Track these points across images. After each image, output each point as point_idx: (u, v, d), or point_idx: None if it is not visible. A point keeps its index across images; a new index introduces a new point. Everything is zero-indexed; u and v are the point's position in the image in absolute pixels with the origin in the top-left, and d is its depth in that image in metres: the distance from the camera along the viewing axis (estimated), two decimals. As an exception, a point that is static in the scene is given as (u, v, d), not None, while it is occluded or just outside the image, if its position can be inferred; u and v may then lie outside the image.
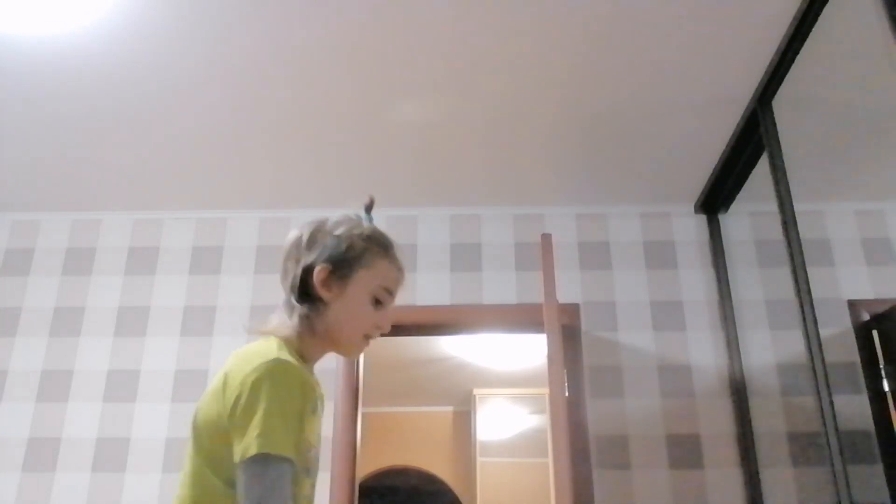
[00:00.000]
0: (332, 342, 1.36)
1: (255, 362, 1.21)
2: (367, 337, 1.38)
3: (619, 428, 2.98)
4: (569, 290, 3.21)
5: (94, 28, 2.29)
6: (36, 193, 3.26)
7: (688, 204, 3.34)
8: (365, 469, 6.13)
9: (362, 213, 1.42)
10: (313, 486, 1.29)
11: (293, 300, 1.34)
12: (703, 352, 3.09)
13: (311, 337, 1.34)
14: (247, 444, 1.14)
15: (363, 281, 1.35)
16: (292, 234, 1.40)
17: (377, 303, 1.37)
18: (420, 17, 2.27)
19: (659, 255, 3.27)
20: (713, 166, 3.05)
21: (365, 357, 3.31)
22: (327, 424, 3.01)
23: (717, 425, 2.97)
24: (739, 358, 3.00)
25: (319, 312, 1.33)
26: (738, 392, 2.96)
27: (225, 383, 1.22)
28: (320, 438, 1.33)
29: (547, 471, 5.85)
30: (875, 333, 3.02)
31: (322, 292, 1.32)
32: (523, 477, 5.90)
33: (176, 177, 3.14)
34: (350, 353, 1.40)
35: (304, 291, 1.34)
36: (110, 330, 3.21)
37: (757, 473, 2.85)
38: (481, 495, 5.83)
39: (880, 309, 3.04)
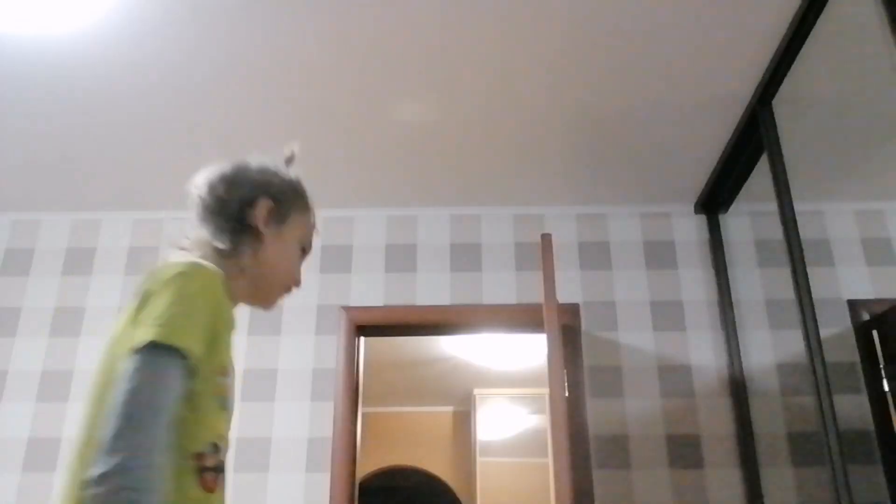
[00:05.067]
0: (256, 287, 1.27)
1: (171, 266, 1.10)
2: (288, 289, 1.32)
3: (619, 428, 2.97)
4: (569, 290, 3.20)
5: (94, 28, 2.30)
6: (36, 193, 3.26)
7: (688, 204, 3.34)
8: (365, 469, 6.12)
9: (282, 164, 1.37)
10: (229, 422, 1.15)
11: (225, 235, 1.24)
12: (703, 352, 3.08)
13: (237, 278, 1.23)
14: (142, 333, 1.01)
15: (296, 225, 1.30)
16: (211, 171, 1.31)
17: (302, 252, 1.33)
18: (420, 17, 2.27)
19: (659, 255, 3.27)
20: (713, 166, 3.05)
21: (365, 357, 3.30)
22: (327, 424, 3.01)
23: (717, 425, 2.96)
24: (739, 358, 3.00)
25: (254, 251, 1.25)
26: (738, 392, 2.96)
27: (140, 295, 1.10)
28: (234, 370, 1.19)
29: (547, 471, 5.85)
30: (875, 333, 3.02)
31: (263, 227, 1.25)
32: (523, 477, 5.90)
33: (176, 177, 3.13)
34: (269, 301, 1.31)
35: (239, 227, 1.24)
36: (110, 330, 3.20)
37: (757, 473, 2.85)
38: (481, 495, 5.83)
39: (880, 309, 3.04)
